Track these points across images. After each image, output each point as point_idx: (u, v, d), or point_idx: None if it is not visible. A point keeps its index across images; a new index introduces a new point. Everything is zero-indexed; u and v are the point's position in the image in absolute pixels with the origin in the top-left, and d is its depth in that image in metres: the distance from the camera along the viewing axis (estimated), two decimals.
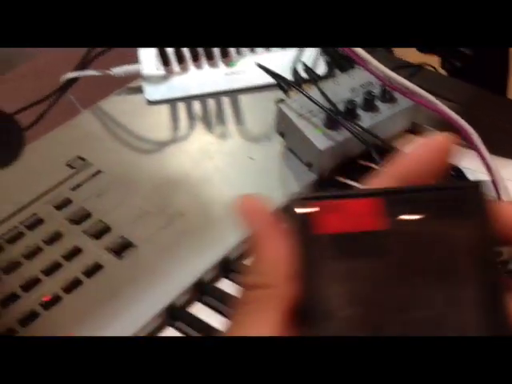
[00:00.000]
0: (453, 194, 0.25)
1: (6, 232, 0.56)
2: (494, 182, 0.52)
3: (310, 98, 0.58)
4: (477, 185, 0.25)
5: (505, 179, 0.53)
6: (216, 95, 0.69)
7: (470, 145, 0.52)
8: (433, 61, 0.75)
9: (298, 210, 0.24)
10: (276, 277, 0.24)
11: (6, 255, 0.54)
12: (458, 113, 0.53)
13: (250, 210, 0.25)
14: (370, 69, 0.57)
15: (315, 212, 0.24)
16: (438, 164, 0.26)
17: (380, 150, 0.59)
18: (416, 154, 0.26)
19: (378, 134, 0.59)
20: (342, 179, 0.60)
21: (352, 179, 0.59)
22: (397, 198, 0.24)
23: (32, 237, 0.55)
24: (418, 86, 0.67)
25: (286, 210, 0.24)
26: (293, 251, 0.24)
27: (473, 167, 0.57)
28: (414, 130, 0.63)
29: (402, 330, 0.23)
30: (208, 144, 0.64)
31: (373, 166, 0.59)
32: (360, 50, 0.56)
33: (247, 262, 0.26)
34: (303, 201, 0.24)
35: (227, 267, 0.52)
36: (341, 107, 0.58)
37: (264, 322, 0.24)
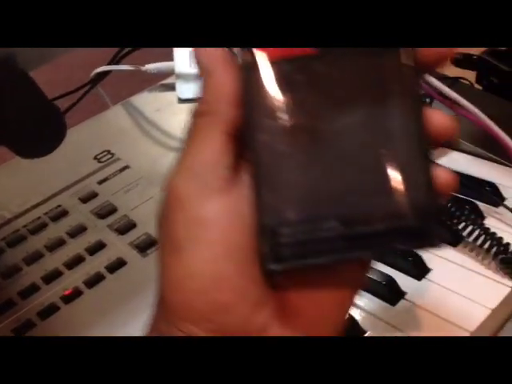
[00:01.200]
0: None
1: (30, 222, 0.55)
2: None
3: None
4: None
5: None
6: None
7: (510, 161, 0.51)
8: (469, 76, 0.73)
9: (245, 50, 0.27)
10: (219, 103, 0.27)
11: (28, 246, 0.53)
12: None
13: (207, 52, 0.28)
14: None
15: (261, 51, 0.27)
16: None
17: None
18: None
19: None
20: None
21: None
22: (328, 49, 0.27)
23: (56, 228, 0.54)
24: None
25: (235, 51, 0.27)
26: (237, 81, 0.27)
27: (509, 184, 0.55)
28: (450, 143, 0.62)
29: (336, 136, 0.26)
30: None
31: None
32: None
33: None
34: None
35: None
36: None
37: (208, 142, 0.27)
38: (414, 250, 0.25)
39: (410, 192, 0.25)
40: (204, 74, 0.28)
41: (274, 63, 0.26)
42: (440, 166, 0.26)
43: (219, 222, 0.26)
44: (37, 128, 0.40)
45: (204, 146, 0.27)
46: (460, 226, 0.49)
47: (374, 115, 0.26)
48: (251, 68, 0.26)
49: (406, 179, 0.25)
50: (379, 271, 0.48)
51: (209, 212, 0.26)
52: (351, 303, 0.28)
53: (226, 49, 0.28)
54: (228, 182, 0.26)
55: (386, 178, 0.25)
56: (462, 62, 0.74)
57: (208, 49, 0.28)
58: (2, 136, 0.39)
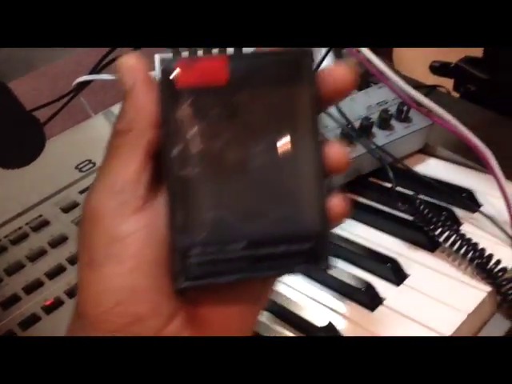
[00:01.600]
0: (287, 58, 0.29)
1: (11, 232, 0.55)
2: (508, 206, 0.51)
3: (326, 113, 0.57)
4: (306, 52, 0.29)
5: None
6: None
7: (486, 168, 0.52)
8: (447, 83, 0.75)
9: (163, 63, 0.28)
10: (139, 122, 0.28)
11: (9, 256, 0.53)
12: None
13: (127, 66, 0.29)
14: (391, 86, 0.57)
15: (174, 67, 0.28)
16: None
17: (392, 168, 0.59)
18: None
19: (394, 153, 0.59)
20: (352, 195, 0.59)
21: (362, 196, 0.59)
22: (239, 59, 0.29)
23: (37, 239, 0.54)
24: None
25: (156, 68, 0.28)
26: (156, 103, 0.28)
27: (485, 190, 0.56)
28: (427, 150, 0.63)
29: (244, 164, 0.28)
30: None
31: (383, 183, 0.59)
32: (383, 67, 0.56)
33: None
34: (169, 61, 0.28)
35: None
36: (356, 124, 0.58)
37: (127, 161, 0.28)
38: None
39: (307, 219, 0.28)
40: (125, 91, 0.29)
41: (189, 90, 0.28)
42: (336, 193, 0.29)
43: (136, 239, 0.27)
44: (15, 139, 0.40)
45: (124, 165, 0.28)
46: (437, 232, 0.50)
47: (277, 146, 0.28)
48: (168, 93, 0.28)
49: (304, 207, 0.28)
50: (358, 277, 0.48)
51: (127, 230, 0.27)
52: (255, 318, 0.31)
53: (147, 69, 0.29)
54: (145, 200, 0.28)
55: (286, 205, 0.28)
56: (440, 69, 0.76)
57: (131, 66, 0.29)
58: None
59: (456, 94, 0.75)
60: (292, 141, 0.28)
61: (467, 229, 0.52)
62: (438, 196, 0.56)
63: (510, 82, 0.69)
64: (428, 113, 0.56)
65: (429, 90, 0.70)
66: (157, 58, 0.28)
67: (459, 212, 0.54)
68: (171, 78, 0.28)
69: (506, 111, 0.72)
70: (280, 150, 0.28)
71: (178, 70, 0.28)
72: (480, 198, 0.55)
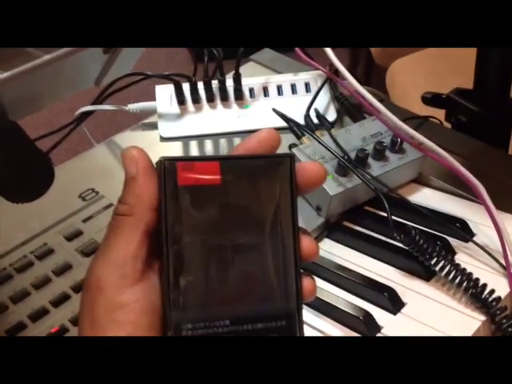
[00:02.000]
0: (270, 161, 0.35)
1: (16, 261, 0.56)
2: (500, 236, 0.53)
3: (323, 145, 0.59)
4: (289, 155, 0.35)
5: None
6: (228, 135, 0.70)
7: (478, 199, 0.54)
8: (438, 114, 0.77)
9: (166, 165, 0.33)
10: (139, 207, 0.33)
11: (14, 284, 0.54)
12: (463, 166, 0.55)
13: (131, 156, 0.34)
14: (382, 119, 0.59)
15: (176, 168, 0.33)
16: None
17: (387, 198, 0.61)
18: (248, 144, 0.36)
19: (388, 183, 0.61)
20: (348, 224, 0.61)
21: (358, 225, 0.60)
22: (229, 162, 0.35)
23: (42, 267, 0.56)
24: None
25: (158, 164, 0.34)
26: (155, 191, 0.33)
27: (477, 220, 0.58)
28: (421, 180, 0.65)
29: (231, 251, 0.34)
30: None
31: (379, 212, 0.60)
32: (374, 101, 0.58)
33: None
34: (170, 161, 0.33)
35: None
36: (352, 155, 0.60)
37: (128, 239, 0.33)
38: None
39: (283, 301, 0.35)
40: (128, 178, 0.34)
41: (188, 187, 0.34)
42: (306, 276, 0.36)
43: (135, 307, 0.33)
44: (26, 176, 0.42)
45: (125, 243, 0.33)
46: (432, 262, 0.52)
47: (260, 238, 0.35)
48: (170, 189, 0.33)
49: (280, 291, 0.35)
50: (356, 306, 0.50)
51: (128, 299, 0.33)
52: None
53: (149, 159, 0.35)
54: (143, 273, 0.33)
55: (265, 289, 0.34)
56: (431, 101, 0.78)
57: (134, 157, 0.34)
58: None
59: (448, 125, 0.77)
60: (273, 231, 0.35)
61: (461, 258, 0.54)
62: (431, 225, 0.57)
63: (499, 114, 0.72)
64: (419, 145, 0.58)
65: (421, 121, 0.72)
66: (159, 159, 0.34)
67: (453, 242, 0.56)
68: (173, 177, 0.33)
69: (496, 142, 0.75)
70: (262, 239, 0.34)
71: (178, 171, 0.33)
72: (473, 227, 0.57)
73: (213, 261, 0.34)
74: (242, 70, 0.71)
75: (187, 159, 0.34)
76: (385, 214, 0.58)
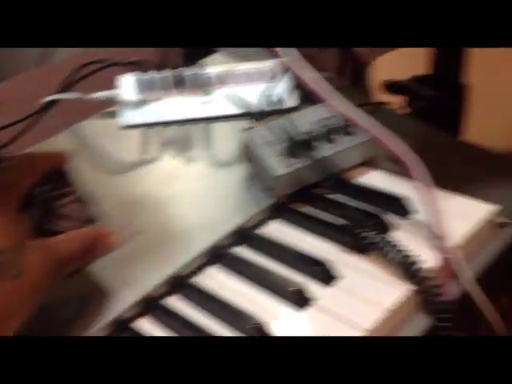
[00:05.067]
0: None
1: None
2: (434, 211, 0.54)
3: (271, 128, 0.62)
4: None
5: (445, 211, 0.56)
6: (190, 122, 0.72)
7: (411, 174, 0.56)
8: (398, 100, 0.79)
9: None
10: None
11: None
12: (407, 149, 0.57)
13: None
14: (327, 101, 0.61)
15: None
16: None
17: (337, 180, 0.63)
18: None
19: (337, 165, 0.63)
20: (295, 205, 0.63)
21: (305, 205, 0.62)
22: None
23: None
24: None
25: None
26: None
27: (411, 196, 0.59)
28: (373, 162, 0.67)
29: None
30: (176, 168, 0.67)
31: (325, 193, 0.62)
32: (322, 86, 0.60)
33: None
34: None
35: (178, 283, 0.55)
36: (302, 137, 0.62)
37: None
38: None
39: None
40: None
41: None
42: None
43: None
44: None
45: None
46: (367, 235, 0.54)
47: None
48: None
49: None
50: (288, 278, 0.52)
51: None
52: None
53: None
54: None
55: None
56: (391, 88, 0.80)
57: None
58: None
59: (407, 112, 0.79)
60: None
61: (398, 234, 0.56)
62: (373, 203, 0.59)
63: (452, 99, 0.74)
64: (363, 128, 0.60)
65: (375, 107, 0.74)
66: None
67: (392, 218, 0.57)
68: None
69: (452, 128, 0.77)
70: None
71: None
72: (414, 205, 0.59)
73: None
74: (209, 58, 0.73)
75: None
76: (331, 196, 0.60)
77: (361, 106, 0.69)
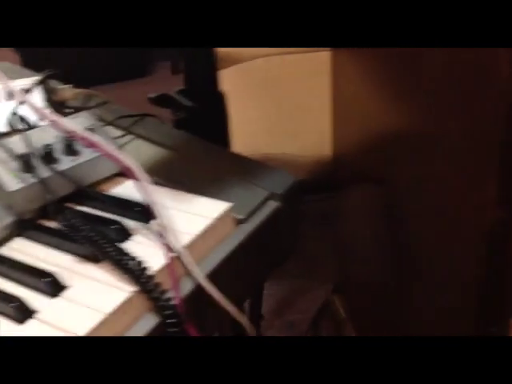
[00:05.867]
0: None
1: None
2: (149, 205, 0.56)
3: (4, 146, 0.60)
4: None
5: (180, 212, 0.58)
6: None
7: (130, 178, 0.57)
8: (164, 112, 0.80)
9: None
10: None
11: None
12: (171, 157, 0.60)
13: None
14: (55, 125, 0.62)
15: None
16: None
17: (85, 192, 0.62)
18: None
19: (83, 177, 0.62)
20: (45, 221, 0.61)
21: (48, 219, 0.61)
22: None
23: None
24: (139, 133, 0.73)
25: None
26: None
27: (170, 204, 0.60)
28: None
29: None
30: None
31: (76, 207, 0.61)
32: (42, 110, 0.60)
33: None
34: None
35: None
36: (40, 152, 0.61)
37: None
38: None
39: None
40: None
41: None
42: None
43: None
44: None
45: None
46: (100, 245, 0.53)
47: None
48: None
49: None
50: (8, 292, 0.51)
51: None
52: None
53: None
54: None
55: None
56: (155, 101, 0.81)
57: None
58: None
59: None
60: None
61: (137, 238, 0.56)
62: (117, 212, 0.59)
63: (210, 107, 0.76)
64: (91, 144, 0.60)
65: (139, 119, 0.75)
66: None
67: (133, 224, 0.58)
68: None
69: (215, 136, 0.79)
70: None
71: None
72: (158, 211, 0.59)
73: None
74: None
75: None
76: (81, 207, 0.60)
77: (121, 118, 0.70)
